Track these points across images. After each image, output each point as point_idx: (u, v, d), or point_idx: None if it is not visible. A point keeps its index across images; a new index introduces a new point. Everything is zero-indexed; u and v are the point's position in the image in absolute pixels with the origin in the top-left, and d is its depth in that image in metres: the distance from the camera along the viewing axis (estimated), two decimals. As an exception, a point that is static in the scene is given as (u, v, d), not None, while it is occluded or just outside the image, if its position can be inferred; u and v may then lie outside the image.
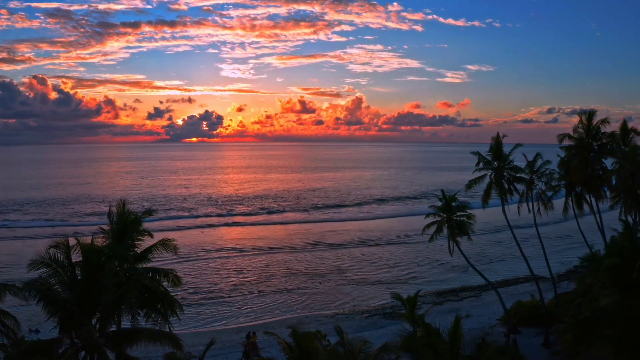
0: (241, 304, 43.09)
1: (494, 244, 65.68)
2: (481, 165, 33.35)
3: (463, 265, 55.55)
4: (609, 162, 36.08)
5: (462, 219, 32.58)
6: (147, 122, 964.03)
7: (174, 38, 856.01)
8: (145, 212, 23.47)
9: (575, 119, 35.57)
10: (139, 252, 22.90)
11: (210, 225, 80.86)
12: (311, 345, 17.97)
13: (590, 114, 34.69)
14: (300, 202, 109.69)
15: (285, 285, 47.91)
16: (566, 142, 35.44)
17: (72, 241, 19.68)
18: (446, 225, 32.36)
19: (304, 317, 38.88)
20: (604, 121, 34.75)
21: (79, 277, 18.92)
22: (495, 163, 33.02)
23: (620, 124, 37.88)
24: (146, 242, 23.12)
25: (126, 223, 22.55)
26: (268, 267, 54.49)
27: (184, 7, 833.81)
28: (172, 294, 43.62)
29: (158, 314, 22.08)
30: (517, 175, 33.44)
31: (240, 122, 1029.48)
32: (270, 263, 56.35)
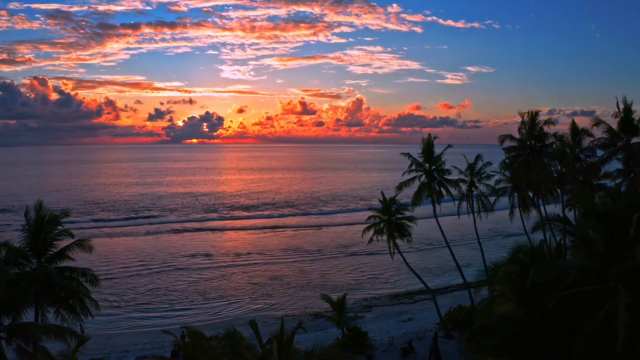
0: (199, 305, 43.35)
1: (470, 250, 65.47)
2: (414, 167, 33.42)
3: (433, 267, 55.69)
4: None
5: (402, 221, 32.65)
6: (148, 123, 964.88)
7: (173, 39, 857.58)
8: (62, 212, 23.77)
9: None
10: (55, 251, 23.35)
11: (186, 230, 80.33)
12: (200, 344, 18.21)
13: (534, 114, 34.63)
14: (287, 205, 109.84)
15: (246, 288, 48.13)
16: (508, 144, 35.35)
17: None
18: (385, 227, 32.42)
19: (252, 317, 38.95)
20: (548, 121, 34.71)
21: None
22: (427, 165, 33.09)
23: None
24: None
25: (42, 223, 22.88)
26: (233, 269, 54.70)
27: (184, 9, 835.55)
28: (137, 294, 43.63)
29: (70, 311, 22.37)
30: (454, 177, 33.48)
31: (241, 123, 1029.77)
32: (237, 266, 56.51)
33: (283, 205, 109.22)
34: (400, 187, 33.53)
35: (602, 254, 16.88)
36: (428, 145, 32.68)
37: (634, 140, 32.17)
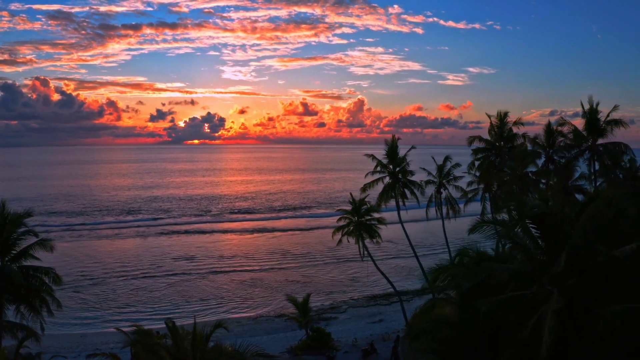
0: (179, 306, 43.90)
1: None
2: (379, 168, 33.68)
3: (418, 269, 55.78)
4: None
5: (371, 222, 32.93)
6: (149, 124, 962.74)
7: (175, 40, 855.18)
8: (25, 212, 24.27)
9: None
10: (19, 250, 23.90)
11: (174, 232, 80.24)
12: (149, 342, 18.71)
13: (503, 114, 34.76)
14: (281, 207, 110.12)
15: (228, 289, 48.61)
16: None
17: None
18: (354, 229, 32.69)
19: (227, 319, 39.43)
20: (517, 122, 34.90)
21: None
22: (391, 167, 33.36)
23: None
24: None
25: (5, 222, 23.40)
26: (216, 271, 55.17)
27: (185, 10, 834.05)
28: (120, 295, 44.35)
29: (30, 309, 22.89)
30: (424, 179, 33.76)
31: (242, 124, 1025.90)
32: (220, 268, 56.97)
33: (277, 207, 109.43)
34: (364, 188, 33.84)
35: (535, 258, 16.95)
36: (392, 147, 32.96)
37: (600, 141, 32.35)
